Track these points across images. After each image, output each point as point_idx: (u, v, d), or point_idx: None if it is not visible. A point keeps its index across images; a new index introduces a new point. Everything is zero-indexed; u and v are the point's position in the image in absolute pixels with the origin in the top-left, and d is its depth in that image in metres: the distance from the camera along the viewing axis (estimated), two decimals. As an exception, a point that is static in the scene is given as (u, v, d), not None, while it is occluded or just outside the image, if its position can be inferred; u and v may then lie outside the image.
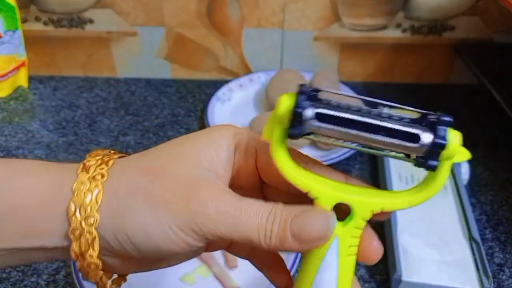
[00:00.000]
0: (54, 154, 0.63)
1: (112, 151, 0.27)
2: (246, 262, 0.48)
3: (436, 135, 0.22)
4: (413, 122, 0.23)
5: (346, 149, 0.61)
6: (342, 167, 0.61)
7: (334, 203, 0.24)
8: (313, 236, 0.23)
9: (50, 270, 0.49)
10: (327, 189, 0.24)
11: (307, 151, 0.63)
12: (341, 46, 0.76)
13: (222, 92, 0.73)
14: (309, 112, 0.23)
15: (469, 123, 0.68)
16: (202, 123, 0.68)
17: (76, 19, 0.74)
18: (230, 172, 0.26)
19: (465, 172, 0.58)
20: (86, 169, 0.24)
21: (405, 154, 0.24)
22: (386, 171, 0.56)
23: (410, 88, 0.78)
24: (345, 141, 0.24)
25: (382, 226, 0.52)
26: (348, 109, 0.23)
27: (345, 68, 0.78)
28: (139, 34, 0.75)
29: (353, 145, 0.24)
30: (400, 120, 0.23)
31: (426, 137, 0.22)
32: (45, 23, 0.75)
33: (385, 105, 0.24)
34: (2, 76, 0.72)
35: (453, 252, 0.47)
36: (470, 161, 0.60)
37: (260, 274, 0.47)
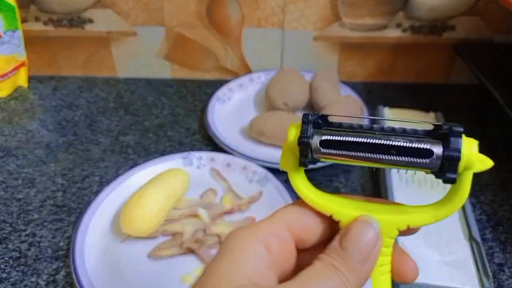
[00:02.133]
0: (54, 154, 0.63)
1: None
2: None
3: (448, 148, 0.22)
4: (424, 136, 0.23)
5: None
6: (342, 167, 0.61)
7: None
8: (370, 244, 0.23)
9: (50, 270, 0.49)
10: (350, 210, 0.24)
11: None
12: (341, 46, 0.76)
13: (222, 92, 0.72)
14: (315, 141, 0.23)
15: (469, 123, 0.68)
16: (202, 123, 0.68)
17: (76, 19, 0.74)
18: (273, 272, 0.24)
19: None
20: None
21: (419, 169, 0.23)
22: (386, 171, 0.56)
23: (410, 88, 0.78)
24: (354, 161, 0.24)
25: (382, 226, 0.52)
26: (355, 132, 0.23)
27: (345, 68, 0.78)
28: (139, 34, 0.75)
29: (367, 164, 0.24)
30: (411, 135, 0.23)
31: (439, 151, 0.22)
32: (45, 23, 0.75)
33: (397, 121, 0.24)
34: (2, 76, 0.72)
35: (453, 252, 0.47)
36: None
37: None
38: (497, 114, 0.61)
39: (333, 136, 0.23)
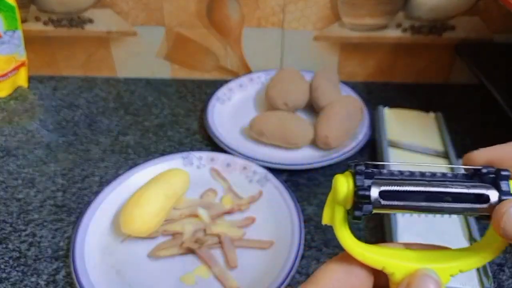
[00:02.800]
0: (54, 154, 0.63)
1: None
2: (246, 262, 0.49)
3: (501, 191, 0.23)
4: (472, 181, 0.23)
5: (347, 149, 0.61)
6: (342, 167, 0.61)
7: None
8: None
9: (50, 270, 0.49)
10: (401, 262, 0.24)
11: (306, 150, 0.63)
12: (341, 46, 0.76)
13: (222, 92, 0.72)
14: (373, 193, 0.23)
15: (469, 123, 0.68)
16: (202, 123, 0.68)
17: (76, 19, 0.74)
18: None
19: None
20: None
21: (475, 214, 0.24)
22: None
23: (410, 88, 0.78)
24: (410, 211, 0.23)
25: (382, 226, 0.52)
26: (408, 180, 0.23)
27: (345, 68, 0.78)
28: (139, 34, 0.75)
29: (419, 213, 0.24)
30: (459, 180, 0.23)
31: (493, 196, 0.23)
32: (45, 23, 0.75)
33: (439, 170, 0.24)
34: (2, 76, 0.72)
35: (453, 252, 0.47)
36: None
37: (260, 274, 0.47)
38: (497, 114, 0.61)
39: (391, 186, 0.23)
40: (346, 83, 0.74)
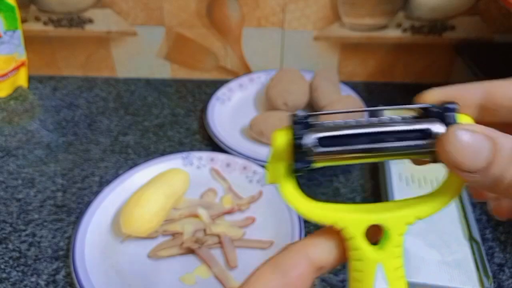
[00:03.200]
0: (54, 154, 0.63)
1: None
2: (246, 262, 0.49)
3: (447, 124, 0.21)
4: (418, 119, 0.22)
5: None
6: (342, 167, 0.61)
7: (365, 228, 0.22)
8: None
9: (50, 270, 0.48)
10: (352, 215, 0.22)
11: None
12: (341, 46, 0.76)
13: (222, 92, 0.72)
14: (311, 140, 0.21)
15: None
16: (202, 123, 0.68)
17: (76, 19, 0.74)
18: None
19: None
20: None
21: (422, 153, 0.22)
22: (386, 171, 0.56)
23: (410, 88, 0.78)
24: (354, 158, 0.22)
25: (382, 226, 0.52)
26: (348, 125, 0.22)
27: (345, 68, 0.78)
28: (139, 34, 0.75)
29: (364, 160, 0.22)
30: (404, 120, 0.22)
31: (438, 129, 0.21)
32: (45, 23, 0.75)
33: (383, 110, 0.23)
34: (2, 76, 0.72)
35: (453, 252, 0.47)
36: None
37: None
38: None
39: (329, 132, 0.21)
40: (346, 83, 0.74)
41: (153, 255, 0.49)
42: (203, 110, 0.70)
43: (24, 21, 0.74)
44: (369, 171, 0.61)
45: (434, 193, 0.23)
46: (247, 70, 0.79)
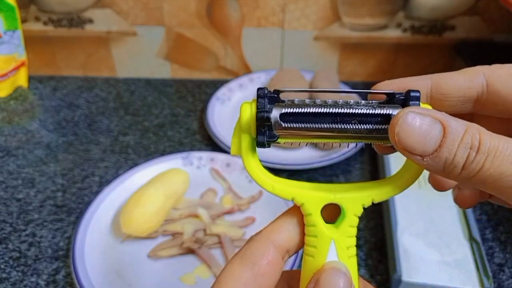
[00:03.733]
0: (53, 154, 0.63)
1: None
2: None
3: None
4: (382, 104, 0.22)
5: (346, 149, 0.61)
6: (342, 167, 0.61)
7: (322, 206, 0.23)
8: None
9: (50, 270, 0.48)
10: (311, 192, 0.23)
11: (306, 150, 0.63)
12: (341, 46, 0.76)
13: (222, 92, 0.72)
14: (274, 115, 0.22)
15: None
16: (202, 123, 0.68)
17: (76, 19, 0.74)
18: None
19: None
20: None
21: (382, 138, 0.22)
22: (386, 171, 0.56)
23: (410, 88, 0.78)
24: (316, 137, 0.22)
25: (382, 226, 0.52)
26: (313, 104, 0.22)
27: (345, 68, 0.78)
28: (138, 34, 0.75)
29: (326, 140, 0.23)
30: (368, 105, 0.22)
31: None
32: (45, 23, 0.75)
33: (349, 92, 0.23)
34: (2, 76, 0.72)
35: (453, 252, 0.47)
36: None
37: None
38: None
39: (293, 108, 0.22)
40: (346, 83, 0.74)
41: (153, 255, 0.49)
42: (203, 110, 0.70)
43: (24, 21, 0.74)
44: (369, 171, 0.61)
45: (392, 178, 0.24)
46: (247, 70, 0.79)
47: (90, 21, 0.74)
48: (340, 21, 0.73)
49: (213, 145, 0.64)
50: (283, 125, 0.22)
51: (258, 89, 0.22)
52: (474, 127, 0.20)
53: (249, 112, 0.22)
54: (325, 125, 0.22)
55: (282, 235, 0.24)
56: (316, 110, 0.22)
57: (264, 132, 0.22)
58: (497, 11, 0.71)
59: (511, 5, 0.58)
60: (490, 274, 0.44)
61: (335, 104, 0.22)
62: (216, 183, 0.58)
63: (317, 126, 0.22)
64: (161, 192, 0.51)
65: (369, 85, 0.78)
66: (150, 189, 0.51)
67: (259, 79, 0.76)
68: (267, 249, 0.23)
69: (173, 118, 0.71)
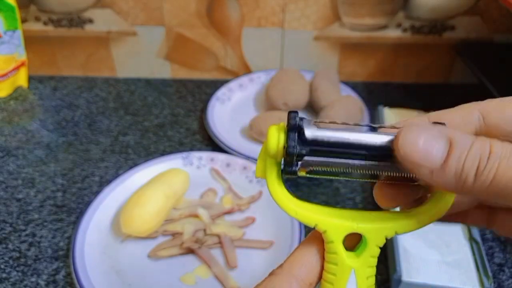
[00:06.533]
0: (53, 154, 0.63)
1: None
2: (246, 262, 0.49)
3: None
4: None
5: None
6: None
7: (344, 235, 0.23)
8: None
9: (50, 270, 0.48)
10: (334, 220, 0.23)
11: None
12: (341, 46, 0.76)
13: (222, 92, 0.72)
14: (304, 151, 0.21)
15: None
16: (202, 123, 0.68)
17: (76, 19, 0.74)
18: None
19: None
20: None
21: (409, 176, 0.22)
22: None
23: (410, 88, 0.78)
24: (345, 174, 0.23)
25: (382, 226, 0.52)
26: (343, 135, 0.22)
27: (345, 68, 0.78)
28: (138, 34, 0.75)
29: (355, 177, 0.23)
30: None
31: None
32: (45, 23, 0.75)
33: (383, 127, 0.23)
34: (2, 76, 0.72)
35: (453, 252, 0.47)
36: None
37: (260, 274, 0.47)
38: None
39: (323, 146, 0.21)
40: (346, 83, 0.74)
41: (153, 255, 0.49)
42: (203, 110, 0.70)
43: (24, 21, 0.74)
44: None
45: (418, 210, 0.24)
46: (247, 70, 0.79)
47: (90, 21, 0.74)
48: (340, 21, 0.73)
49: (213, 145, 0.64)
50: (312, 159, 0.22)
51: (289, 113, 0.21)
52: (483, 137, 0.19)
53: (276, 140, 0.21)
54: (353, 162, 0.22)
55: (304, 269, 0.23)
56: (343, 138, 0.21)
57: (293, 165, 0.22)
58: (497, 11, 0.71)
59: (511, 5, 0.58)
60: (490, 274, 0.44)
61: (371, 147, 0.21)
62: (216, 183, 0.58)
63: (346, 162, 0.22)
64: (161, 192, 0.51)
65: (369, 85, 0.78)
66: (150, 189, 0.51)
67: (259, 79, 0.76)
68: (290, 285, 0.22)
69: (173, 118, 0.71)
